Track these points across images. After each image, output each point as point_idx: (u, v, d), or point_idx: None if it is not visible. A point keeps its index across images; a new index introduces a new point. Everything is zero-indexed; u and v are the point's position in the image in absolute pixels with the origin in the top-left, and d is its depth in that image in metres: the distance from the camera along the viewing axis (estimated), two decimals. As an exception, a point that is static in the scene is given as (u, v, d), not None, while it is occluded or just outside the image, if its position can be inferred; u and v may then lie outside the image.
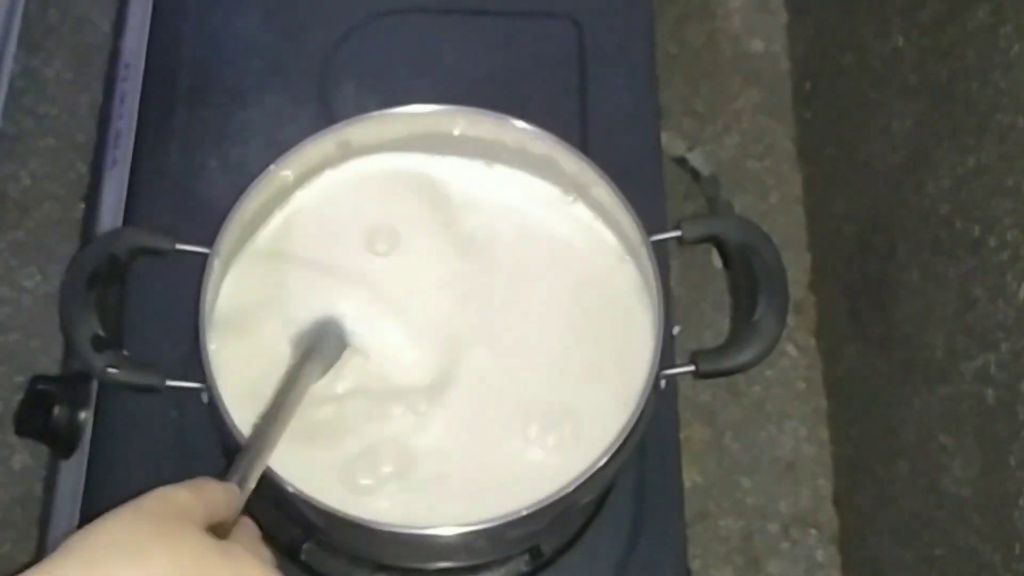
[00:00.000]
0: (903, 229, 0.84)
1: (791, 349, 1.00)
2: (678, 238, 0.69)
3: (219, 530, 0.51)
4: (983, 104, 0.73)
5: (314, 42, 0.89)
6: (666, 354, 0.65)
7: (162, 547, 0.46)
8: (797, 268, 1.02)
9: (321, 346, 0.65)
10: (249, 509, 0.67)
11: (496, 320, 0.69)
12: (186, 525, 0.48)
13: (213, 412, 0.62)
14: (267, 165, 0.68)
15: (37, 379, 0.78)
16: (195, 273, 0.65)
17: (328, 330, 0.66)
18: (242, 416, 0.61)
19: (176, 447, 0.74)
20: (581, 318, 0.69)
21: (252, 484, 0.56)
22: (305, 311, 0.68)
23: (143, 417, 0.75)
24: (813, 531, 0.94)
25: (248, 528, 0.55)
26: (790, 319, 0.98)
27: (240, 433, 0.61)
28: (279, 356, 0.66)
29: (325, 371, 0.65)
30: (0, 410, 0.94)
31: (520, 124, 0.70)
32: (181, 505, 0.49)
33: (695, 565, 0.91)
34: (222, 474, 0.55)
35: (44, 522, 0.80)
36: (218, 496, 0.52)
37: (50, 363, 0.94)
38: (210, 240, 0.65)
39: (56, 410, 0.75)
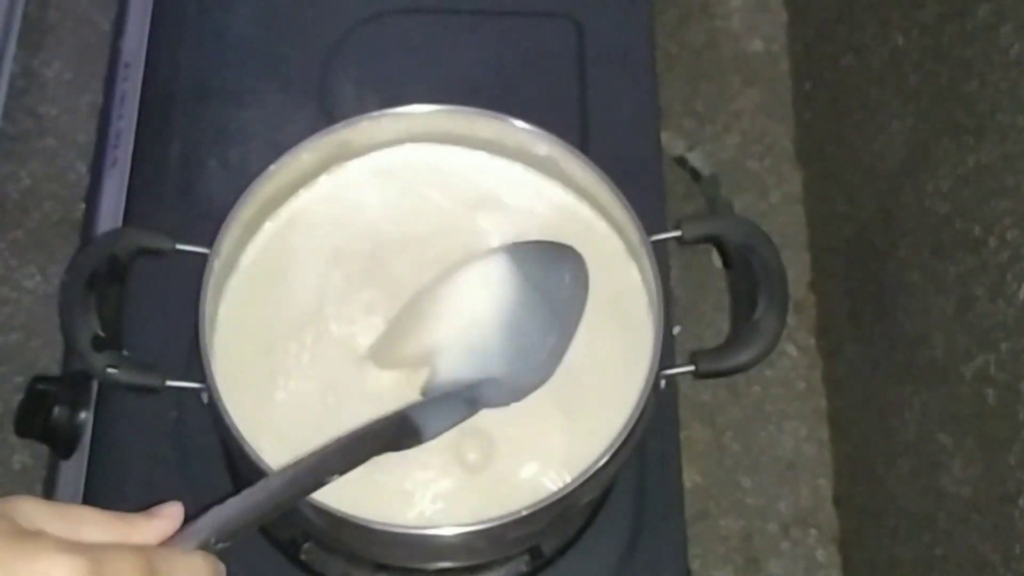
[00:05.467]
0: (903, 229, 0.84)
1: (791, 349, 1.00)
2: (678, 238, 0.69)
3: None
4: (983, 104, 0.73)
5: (314, 42, 0.89)
6: (666, 354, 0.65)
7: None
8: (797, 268, 1.02)
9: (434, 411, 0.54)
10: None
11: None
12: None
13: (213, 412, 0.62)
14: (267, 165, 0.68)
15: (37, 379, 0.77)
16: (195, 273, 0.65)
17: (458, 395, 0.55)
18: (242, 416, 0.61)
19: (176, 447, 0.74)
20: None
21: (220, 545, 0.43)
22: (308, 308, 0.68)
23: (143, 417, 0.75)
24: (813, 531, 0.94)
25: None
26: (790, 319, 0.98)
27: (240, 433, 0.60)
28: (281, 355, 0.66)
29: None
30: (0, 410, 0.94)
31: (520, 124, 0.70)
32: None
33: (695, 565, 0.91)
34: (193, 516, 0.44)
35: (44, 522, 0.80)
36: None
37: (50, 363, 0.94)
38: (210, 240, 0.65)
39: (56, 410, 0.75)
